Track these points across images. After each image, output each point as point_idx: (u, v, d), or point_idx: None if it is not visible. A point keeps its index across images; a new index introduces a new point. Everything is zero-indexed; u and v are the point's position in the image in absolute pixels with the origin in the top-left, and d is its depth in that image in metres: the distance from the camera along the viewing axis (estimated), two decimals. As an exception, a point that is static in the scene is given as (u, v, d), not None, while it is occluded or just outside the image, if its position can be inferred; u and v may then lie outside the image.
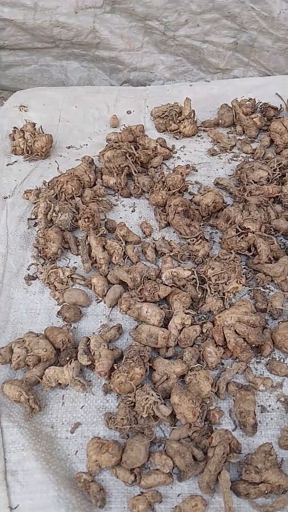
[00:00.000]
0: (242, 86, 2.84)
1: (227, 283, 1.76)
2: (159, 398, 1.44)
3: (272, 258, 1.88)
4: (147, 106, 2.72)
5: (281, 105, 2.66)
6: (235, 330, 1.61)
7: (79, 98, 2.74)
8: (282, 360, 1.62)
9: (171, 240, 2.01)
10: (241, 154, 2.45)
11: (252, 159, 2.37)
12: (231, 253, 1.87)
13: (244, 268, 1.92)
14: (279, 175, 2.22)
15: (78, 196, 2.08)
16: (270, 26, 2.67)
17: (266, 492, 1.31)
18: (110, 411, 1.49)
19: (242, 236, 1.92)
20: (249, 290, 1.84)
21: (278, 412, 1.50)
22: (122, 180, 2.18)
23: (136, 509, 1.28)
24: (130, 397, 1.46)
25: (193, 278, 1.79)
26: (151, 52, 2.94)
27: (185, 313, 1.68)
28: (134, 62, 2.95)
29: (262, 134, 2.55)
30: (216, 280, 1.77)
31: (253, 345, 1.59)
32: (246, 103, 2.61)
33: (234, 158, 2.43)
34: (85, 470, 1.37)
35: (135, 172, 2.21)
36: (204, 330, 1.67)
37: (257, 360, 1.63)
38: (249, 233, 1.90)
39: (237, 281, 1.76)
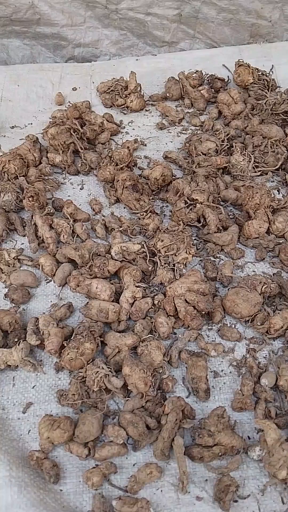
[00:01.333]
0: (189, 59, 2.80)
1: (177, 254, 1.75)
2: (110, 371, 1.43)
3: (221, 228, 1.88)
4: (93, 82, 2.66)
5: (228, 76, 2.65)
6: (185, 299, 1.61)
7: (22, 76, 2.64)
8: (233, 326, 1.64)
9: (121, 216, 1.98)
10: (190, 127, 2.43)
11: (201, 132, 2.36)
12: (181, 225, 1.87)
13: (195, 239, 1.92)
14: (227, 146, 2.22)
15: (23, 176, 2.01)
16: (213, -4, 2.64)
17: (220, 454, 1.33)
18: (63, 388, 1.47)
19: (190, 207, 1.91)
20: (200, 260, 1.84)
21: (231, 376, 1.52)
22: (68, 158, 2.13)
23: (90, 481, 1.27)
24: (81, 372, 1.45)
25: (143, 252, 1.77)
26: (95, 27, 2.86)
27: (136, 286, 1.67)
28: (77, 38, 2.87)
29: (210, 106, 2.54)
30: (165, 252, 1.76)
31: (203, 313, 1.59)
32: (193, 75, 2.59)
33: (183, 131, 2.41)
34: (38, 448, 1.35)
35: (82, 149, 2.16)
36: (156, 302, 1.66)
37: (209, 327, 1.64)
38: (197, 204, 1.90)
39: (186, 252, 1.76)
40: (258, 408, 1.40)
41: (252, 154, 2.13)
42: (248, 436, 1.39)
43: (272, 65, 2.70)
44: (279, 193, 2.05)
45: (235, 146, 2.16)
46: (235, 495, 1.27)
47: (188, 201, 1.91)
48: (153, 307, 1.66)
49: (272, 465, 1.25)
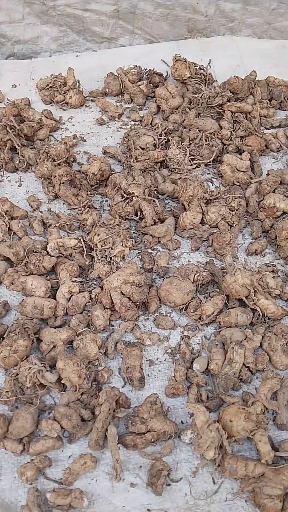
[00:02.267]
0: (129, 55, 2.82)
1: (113, 247, 1.78)
2: (44, 366, 1.44)
3: (157, 220, 1.92)
4: (33, 79, 2.63)
5: (167, 71, 2.69)
6: (121, 292, 1.63)
7: None
8: (169, 315, 1.68)
9: (59, 212, 1.98)
10: (129, 122, 2.46)
11: (140, 126, 2.38)
12: (116, 218, 1.89)
13: (134, 232, 1.95)
14: (165, 140, 2.25)
15: None
16: (149, -8, 2.66)
17: (152, 440, 1.36)
18: (-1, 387, 1.47)
19: (127, 201, 1.94)
20: (138, 252, 1.87)
21: (166, 364, 1.56)
22: (5, 155, 2.11)
23: (24, 476, 1.28)
24: (15, 370, 1.45)
25: (80, 247, 1.79)
26: (34, 24, 2.83)
27: (72, 281, 1.68)
28: (16, 34, 2.83)
29: (150, 101, 2.57)
30: (102, 246, 1.78)
31: (137, 303, 1.62)
32: (132, 70, 2.61)
33: (123, 127, 2.43)
34: (-28, 448, 1.35)
35: (19, 146, 2.14)
36: (93, 296, 1.68)
37: (145, 318, 1.67)
38: (133, 197, 1.93)
39: (122, 245, 1.78)
40: (190, 393, 1.45)
41: (188, 148, 2.17)
42: (181, 421, 1.44)
43: (210, 60, 2.75)
44: (212, 185, 2.10)
45: (171, 140, 2.19)
46: (167, 479, 1.31)
47: (124, 195, 1.93)
48: (90, 301, 1.68)
49: (200, 447, 1.29)
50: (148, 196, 1.94)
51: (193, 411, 1.35)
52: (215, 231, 1.89)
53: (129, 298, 1.62)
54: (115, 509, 1.28)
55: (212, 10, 2.79)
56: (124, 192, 1.94)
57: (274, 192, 2.04)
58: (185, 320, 1.67)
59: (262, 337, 1.55)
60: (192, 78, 2.52)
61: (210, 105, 2.34)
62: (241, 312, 1.58)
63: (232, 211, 1.90)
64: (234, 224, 1.91)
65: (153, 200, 1.93)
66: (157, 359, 1.57)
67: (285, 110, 2.53)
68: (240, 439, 1.31)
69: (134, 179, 1.98)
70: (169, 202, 2.08)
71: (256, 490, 1.24)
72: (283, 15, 2.85)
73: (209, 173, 2.21)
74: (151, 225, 1.89)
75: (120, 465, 1.30)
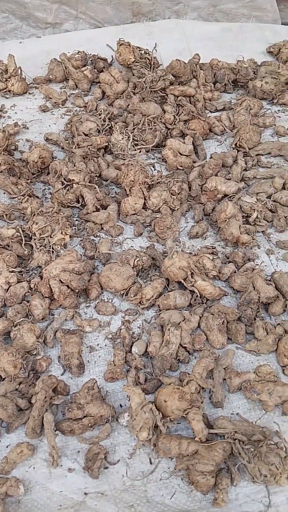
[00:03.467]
0: (74, 40, 2.78)
1: (52, 235, 1.76)
2: (-22, 358, 1.42)
3: (99, 207, 1.90)
4: (-26, 67, 2.56)
5: (112, 56, 2.66)
6: (60, 280, 1.62)
7: None
8: (110, 301, 1.68)
9: None
10: (74, 108, 2.42)
11: (84, 112, 2.35)
12: (62, 207, 1.88)
13: (76, 219, 1.93)
14: (109, 126, 2.23)
15: None
16: (90, -25, 2.61)
17: (90, 425, 1.36)
18: None
19: (68, 188, 1.91)
20: (81, 240, 1.85)
21: (106, 349, 1.56)
22: None
23: None
24: None
25: (18, 236, 1.76)
26: (-26, 10, 2.75)
27: (10, 271, 1.65)
28: None
29: (94, 87, 2.54)
30: (40, 234, 1.76)
31: (77, 291, 1.61)
32: (75, 56, 2.57)
33: (67, 113, 2.39)
34: None
35: None
36: (32, 286, 1.66)
37: (87, 305, 1.67)
38: (74, 184, 1.91)
39: (62, 233, 1.76)
40: (129, 376, 1.45)
41: (131, 133, 2.16)
42: (120, 404, 1.44)
43: (155, 43, 2.73)
44: (154, 169, 2.10)
45: (114, 125, 2.17)
46: (105, 462, 1.32)
47: (65, 182, 1.91)
48: (30, 291, 1.66)
49: (134, 428, 1.30)
50: (89, 182, 1.92)
51: (128, 394, 1.36)
52: (158, 216, 1.89)
53: (67, 286, 1.60)
54: (52, 495, 1.28)
55: (156, -7, 2.77)
56: (64, 179, 1.92)
57: (216, 175, 2.05)
58: (127, 305, 1.67)
59: (200, 317, 1.57)
60: (136, 62, 2.50)
61: (153, 89, 2.32)
62: (180, 294, 1.60)
63: (174, 195, 1.91)
64: (176, 208, 1.91)
65: (94, 187, 1.91)
66: (97, 345, 1.57)
67: (229, 93, 2.55)
68: (175, 418, 1.33)
69: (74, 165, 1.95)
70: (113, 188, 2.07)
71: (189, 468, 1.26)
72: (228, -3, 2.86)
73: (154, 158, 2.20)
74: (93, 211, 1.88)
75: (56, 451, 1.30)
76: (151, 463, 1.33)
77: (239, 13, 2.99)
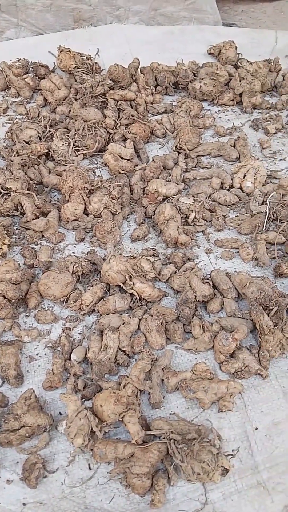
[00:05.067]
0: (16, 48, 2.77)
1: (-11, 246, 1.74)
2: None
3: (38, 214, 1.89)
4: None
5: (54, 62, 2.65)
6: (-4, 291, 1.61)
7: None
8: (51, 308, 1.67)
9: None
10: (16, 116, 2.41)
11: (25, 120, 2.34)
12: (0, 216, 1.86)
13: (17, 228, 1.92)
14: (50, 132, 2.22)
15: None
16: (27, -18, 2.60)
17: (27, 435, 1.35)
18: None
19: (5, 197, 1.90)
20: (21, 248, 1.84)
21: (46, 358, 1.55)
22: None
23: None
24: None
25: None
26: None
27: None
28: None
29: (37, 94, 2.53)
30: (-22, 245, 1.74)
31: (13, 301, 1.60)
32: (16, 64, 2.55)
33: (9, 121, 2.38)
34: None
35: None
36: None
37: (26, 314, 1.66)
38: (12, 192, 1.89)
39: (-1, 242, 1.75)
40: (68, 383, 1.45)
41: (72, 139, 2.16)
42: (60, 412, 1.44)
43: (98, 49, 2.74)
44: (95, 174, 2.11)
45: (54, 132, 2.17)
46: (44, 471, 1.31)
47: (2, 191, 1.90)
48: None
49: (69, 435, 1.30)
50: (28, 190, 1.91)
51: (65, 402, 1.36)
52: (100, 221, 1.89)
53: (3, 296, 1.59)
54: (-11, 509, 1.27)
55: (95, -2, 2.78)
56: (1, 188, 1.90)
57: (157, 178, 2.07)
58: (68, 312, 1.66)
59: (140, 320, 1.58)
60: (78, 68, 2.51)
61: (93, 95, 2.33)
62: (119, 298, 1.60)
63: (114, 199, 1.92)
64: (117, 212, 1.92)
65: (32, 195, 1.90)
66: (37, 354, 1.56)
67: (171, 95, 2.58)
68: (112, 422, 1.33)
69: (12, 174, 1.94)
70: (55, 195, 2.07)
71: (126, 471, 1.26)
72: (168, 0, 2.89)
73: (96, 163, 2.21)
74: (32, 219, 1.87)
75: (-7, 464, 1.29)
76: (90, 469, 1.33)
77: (180, 16, 3.03)
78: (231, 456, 1.28)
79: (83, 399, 1.43)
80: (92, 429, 1.31)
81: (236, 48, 2.79)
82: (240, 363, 1.47)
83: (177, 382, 1.43)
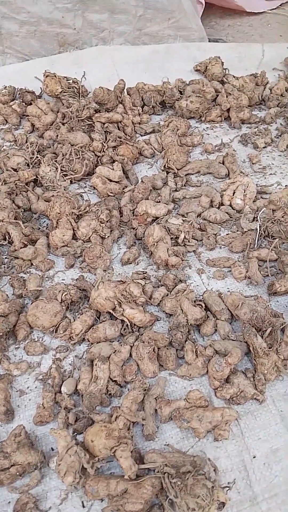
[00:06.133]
0: (2, 75, 2.78)
1: (-23, 277, 1.72)
2: None
3: (26, 242, 1.88)
4: None
5: (41, 88, 2.67)
6: (-16, 324, 1.58)
7: None
8: (41, 339, 1.64)
9: None
10: (4, 143, 2.41)
11: (13, 147, 2.34)
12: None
13: (6, 257, 1.90)
14: (38, 159, 2.22)
15: None
16: (11, 11, 2.63)
17: (18, 474, 1.31)
18: None
19: (-7, 226, 1.89)
20: (10, 278, 1.82)
21: (36, 391, 1.51)
22: None
23: None
24: None
25: None
26: None
27: None
28: None
29: (24, 120, 2.54)
30: None
31: (1, 333, 1.57)
32: (3, 91, 2.57)
33: (-4, 149, 2.38)
34: None
35: None
36: None
37: (16, 346, 1.63)
38: (-1, 222, 1.88)
39: (-13, 274, 1.73)
40: (59, 418, 1.41)
41: (59, 164, 2.15)
42: (52, 448, 1.40)
43: (84, 72, 2.75)
44: (83, 199, 2.09)
45: (42, 158, 2.17)
46: (36, 511, 1.27)
47: (-11, 221, 1.88)
48: None
49: (60, 473, 1.26)
50: (15, 219, 1.89)
51: (55, 437, 1.32)
52: (89, 246, 1.87)
53: (-8, 329, 1.56)
54: None
55: (79, 22, 2.80)
56: (-11, 218, 1.89)
57: (147, 199, 2.05)
58: (58, 342, 1.63)
59: (131, 347, 1.55)
60: (64, 92, 2.51)
61: (80, 119, 2.33)
62: (109, 325, 1.57)
63: (103, 223, 1.90)
64: (106, 236, 1.90)
65: (17, 223, 1.88)
66: (27, 387, 1.52)
67: (159, 115, 2.58)
68: (104, 458, 1.29)
69: (-1, 203, 1.93)
70: (45, 221, 2.05)
71: (119, 508, 1.22)
72: (151, 20, 2.91)
73: (86, 187, 2.20)
74: (20, 248, 1.85)
75: (-17, 507, 1.25)
76: (83, 506, 1.29)
77: (165, 34, 3.05)
78: (227, 489, 1.23)
79: (75, 433, 1.40)
80: (83, 465, 1.27)
81: (222, 63, 2.80)
82: (235, 388, 1.43)
83: (171, 412, 1.39)
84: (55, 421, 1.43)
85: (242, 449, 1.34)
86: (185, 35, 3.08)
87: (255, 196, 2.07)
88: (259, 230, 1.88)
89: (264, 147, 2.40)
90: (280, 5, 4.38)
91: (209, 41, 3.32)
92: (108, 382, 1.45)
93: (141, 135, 2.45)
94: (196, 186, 2.18)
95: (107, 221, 1.91)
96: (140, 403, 1.41)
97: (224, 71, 2.77)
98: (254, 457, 1.32)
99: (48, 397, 1.44)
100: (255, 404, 1.44)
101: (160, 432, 1.40)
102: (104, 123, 2.32)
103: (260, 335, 1.49)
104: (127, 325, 1.60)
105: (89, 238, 1.90)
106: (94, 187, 2.13)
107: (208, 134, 2.47)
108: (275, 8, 4.32)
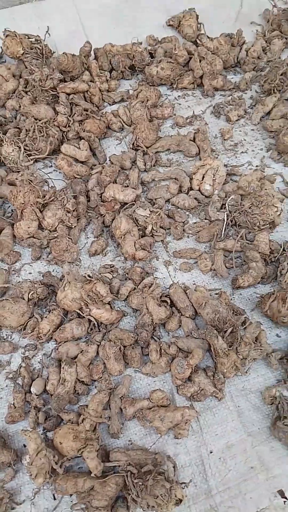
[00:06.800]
0: None
1: None
2: None
3: (-8, 233, 1.84)
4: None
5: (0, 47, 2.45)
6: None
7: None
8: (10, 337, 1.68)
9: None
10: None
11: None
12: None
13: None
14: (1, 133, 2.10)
15: None
16: None
17: (-8, 473, 1.42)
18: None
19: None
20: (-23, 271, 1.81)
21: (7, 390, 1.58)
22: None
23: None
24: None
25: None
26: None
27: None
28: None
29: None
30: None
31: None
32: None
33: None
34: None
35: None
36: None
37: (-15, 345, 1.67)
38: None
39: None
40: (29, 417, 1.49)
41: (22, 142, 2.05)
42: (24, 445, 1.49)
43: (48, 27, 2.52)
44: (48, 186, 2.03)
45: (3, 135, 2.06)
46: (11, 504, 1.39)
47: None
48: None
49: (31, 474, 1.36)
50: (-22, 209, 1.84)
51: (26, 439, 1.41)
52: (56, 236, 1.85)
53: None
54: None
55: None
56: None
57: (115, 181, 2.01)
58: (27, 340, 1.67)
59: (98, 345, 1.60)
60: (26, 53, 2.32)
61: (43, 88, 2.18)
62: (76, 325, 1.61)
63: (69, 212, 1.86)
64: (73, 226, 1.88)
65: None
66: (-2, 386, 1.59)
67: (128, 79, 2.43)
68: (72, 457, 1.39)
69: None
70: (9, 206, 2.00)
71: (87, 504, 1.34)
72: None
73: (51, 165, 2.12)
74: (-14, 240, 1.82)
75: None
76: (54, 499, 1.41)
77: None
78: (184, 486, 1.36)
79: (45, 431, 1.49)
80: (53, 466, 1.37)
81: (197, 17, 2.61)
82: (196, 386, 1.52)
83: (134, 412, 1.48)
84: (26, 419, 1.52)
85: (200, 445, 1.46)
86: (158, -20, 2.81)
87: (225, 179, 2.05)
88: (226, 220, 1.88)
89: (237, 120, 2.32)
90: None
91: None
92: (75, 384, 1.52)
93: (110, 104, 2.33)
94: (166, 166, 2.13)
95: (73, 210, 1.87)
96: (106, 403, 1.50)
97: (198, 26, 2.59)
98: (211, 452, 1.44)
99: (18, 398, 1.51)
100: (214, 400, 1.54)
101: (125, 428, 1.50)
102: (69, 94, 2.18)
103: (221, 335, 1.56)
104: (94, 324, 1.64)
105: (55, 228, 1.87)
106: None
107: (179, 104, 2.36)
108: None
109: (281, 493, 1.38)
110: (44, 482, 1.35)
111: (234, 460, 1.43)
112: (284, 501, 1.36)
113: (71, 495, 1.38)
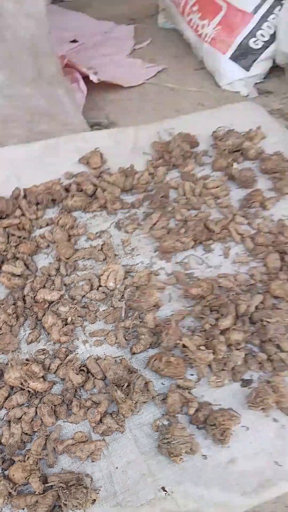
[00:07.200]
0: None
1: None
2: None
3: None
4: None
5: None
6: None
7: None
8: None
9: None
10: None
11: None
12: None
13: None
14: None
15: None
16: None
17: None
18: None
19: None
20: None
21: (-26, 446, 2.25)
22: None
23: None
24: None
25: None
26: None
27: None
28: None
29: None
30: None
31: None
32: None
33: None
34: None
35: None
36: None
37: None
38: None
39: None
40: (-9, 463, 2.16)
41: (-25, 265, 2.85)
42: (-12, 483, 2.14)
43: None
44: (-5, 295, 2.82)
45: None
46: (-19, 526, 2.02)
47: None
48: None
49: (-6, 500, 2.02)
50: None
51: (-11, 477, 2.07)
52: (1, 333, 2.60)
53: None
54: None
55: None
56: None
57: (44, 287, 2.82)
58: (-15, 408, 2.36)
59: (36, 407, 2.32)
60: None
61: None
62: (20, 395, 2.31)
63: (10, 315, 2.64)
64: (14, 324, 2.65)
65: None
66: None
67: (51, 208, 3.34)
68: (22, 484, 2.07)
69: None
70: None
71: (33, 513, 2.01)
72: (39, 121, 3.62)
73: (-4, 281, 2.91)
74: None
75: None
76: (12, 517, 2.05)
77: (54, 130, 3.79)
78: (97, 491, 2.06)
79: (3, 470, 2.15)
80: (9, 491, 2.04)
81: (101, 155, 3.61)
82: (105, 426, 2.24)
83: (63, 448, 2.19)
84: (-11, 465, 2.18)
85: (109, 464, 2.16)
86: (70, 129, 3.83)
87: (124, 276, 2.91)
88: (124, 307, 2.72)
89: (133, 231, 3.23)
90: (158, 72, 5.09)
91: (91, 127, 4.10)
92: (21, 435, 2.22)
93: (38, 228, 3.20)
94: (82, 270, 2.97)
95: (13, 313, 2.65)
96: (44, 445, 2.20)
97: (102, 161, 3.58)
98: (117, 468, 2.15)
99: (-18, 451, 2.18)
100: (118, 433, 2.26)
101: (59, 460, 2.18)
102: (5, 228, 3.04)
103: (120, 389, 2.33)
104: (32, 393, 2.37)
105: (0, 328, 2.63)
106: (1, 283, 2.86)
107: (90, 223, 3.26)
108: (153, 76, 5.05)
109: (163, 488, 2.10)
110: (4, 502, 2.02)
111: (132, 471, 2.13)
112: (165, 493, 2.08)
113: (23, 508, 2.04)
